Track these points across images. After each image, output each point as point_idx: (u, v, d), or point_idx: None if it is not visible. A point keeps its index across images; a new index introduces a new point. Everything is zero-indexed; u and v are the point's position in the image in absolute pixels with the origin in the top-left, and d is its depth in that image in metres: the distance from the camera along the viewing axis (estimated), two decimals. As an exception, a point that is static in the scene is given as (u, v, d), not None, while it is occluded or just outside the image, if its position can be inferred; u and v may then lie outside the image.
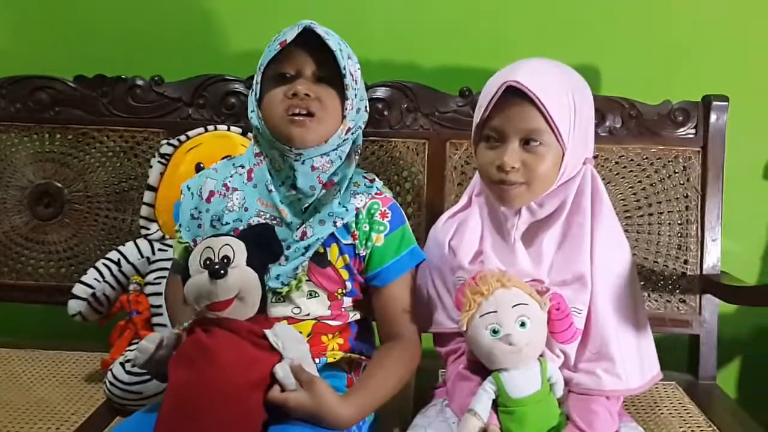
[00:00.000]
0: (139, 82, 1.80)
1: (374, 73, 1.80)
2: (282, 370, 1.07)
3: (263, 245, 1.15)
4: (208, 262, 1.09)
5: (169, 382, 1.07)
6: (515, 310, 1.15)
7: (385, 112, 1.76)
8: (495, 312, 1.15)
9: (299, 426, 1.07)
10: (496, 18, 1.90)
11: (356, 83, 1.20)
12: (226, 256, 1.09)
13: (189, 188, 1.30)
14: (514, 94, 1.17)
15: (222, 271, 1.06)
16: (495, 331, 1.15)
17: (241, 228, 1.21)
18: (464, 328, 1.18)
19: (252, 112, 1.20)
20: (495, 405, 1.17)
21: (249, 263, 1.11)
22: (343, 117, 1.18)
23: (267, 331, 1.10)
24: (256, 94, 1.19)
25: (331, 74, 1.17)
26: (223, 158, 1.37)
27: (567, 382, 1.21)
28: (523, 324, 1.15)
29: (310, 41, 1.15)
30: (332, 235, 1.22)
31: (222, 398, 1.03)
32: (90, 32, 1.96)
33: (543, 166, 1.19)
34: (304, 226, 1.20)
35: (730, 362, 2.01)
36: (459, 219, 1.35)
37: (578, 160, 1.24)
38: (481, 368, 1.20)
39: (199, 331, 1.08)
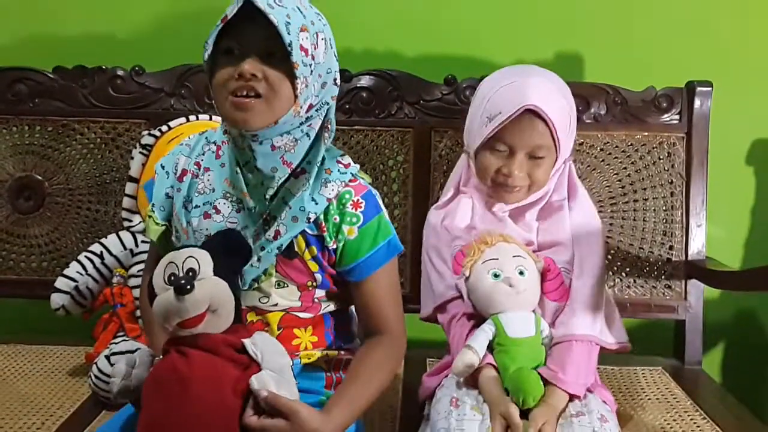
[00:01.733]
0: (120, 73, 1.78)
1: (358, 62, 1.79)
2: (258, 382, 1.02)
3: (231, 251, 1.09)
4: (172, 278, 1.02)
5: (143, 411, 1.03)
6: (515, 260, 1.27)
7: (370, 101, 1.75)
8: (497, 259, 1.26)
9: None
10: (480, 6, 1.89)
11: (313, 57, 1.07)
12: (191, 269, 1.03)
13: (163, 167, 1.23)
14: (526, 113, 1.28)
15: (188, 286, 0.99)
16: (496, 275, 1.25)
17: (209, 211, 1.16)
18: (467, 274, 1.27)
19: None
20: (491, 347, 1.24)
21: (217, 272, 1.04)
22: (296, 97, 1.07)
23: (246, 341, 1.05)
24: (207, 72, 1.10)
25: (283, 49, 1.04)
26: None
27: None
28: (521, 272, 1.26)
29: (258, 13, 1.03)
30: None
31: (197, 430, 0.99)
32: (69, 22, 1.93)
33: (542, 173, 1.34)
34: (276, 223, 1.13)
35: (715, 347, 2.02)
36: (448, 209, 1.43)
37: (563, 160, 1.37)
38: (477, 325, 1.27)
39: (174, 353, 1.02)
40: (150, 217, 1.23)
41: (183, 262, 1.03)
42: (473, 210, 1.41)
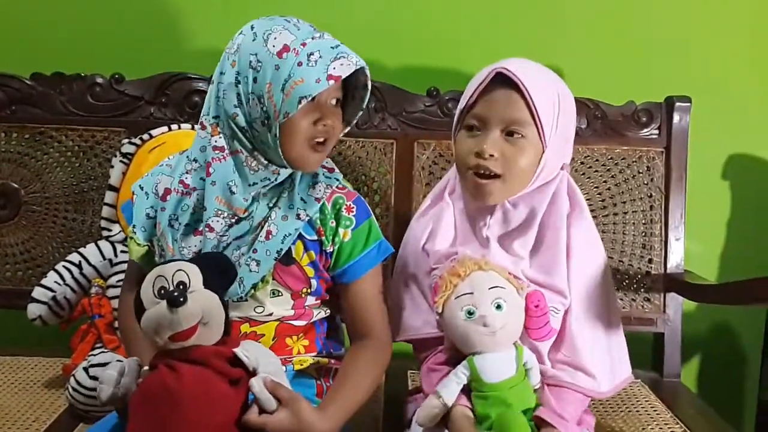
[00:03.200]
0: (99, 80, 1.76)
1: (340, 73, 1.78)
2: (258, 385, 1.03)
3: (217, 271, 1.08)
4: (163, 291, 1.01)
5: (130, 425, 1.01)
6: (492, 292, 1.14)
7: (353, 112, 1.75)
8: (471, 294, 1.14)
9: None
10: (463, 18, 1.91)
11: None
12: (181, 282, 1.02)
13: (142, 188, 1.23)
14: (501, 83, 1.18)
15: (181, 298, 0.99)
16: (470, 313, 1.13)
17: (201, 228, 1.16)
18: (440, 310, 1.16)
19: (237, 107, 1.11)
20: (469, 391, 1.15)
21: (206, 285, 1.04)
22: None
23: (237, 350, 1.05)
24: (280, 112, 1.08)
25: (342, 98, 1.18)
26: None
27: (542, 374, 1.20)
28: (499, 306, 1.14)
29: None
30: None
31: None
32: (48, 28, 1.91)
33: (522, 160, 1.19)
34: (267, 224, 1.16)
35: (691, 359, 2.05)
36: (432, 217, 1.33)
37: (556, 163, 1.25)
38: (455, 362, 1.18)
39: (163, 368, 1.01)
40: (131, 238, 1.23)
41: (173, 276, 1.02)
42: (456, 232, 1.29)
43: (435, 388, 1.16)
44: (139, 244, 1.22)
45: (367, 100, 1.19)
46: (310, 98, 1.08)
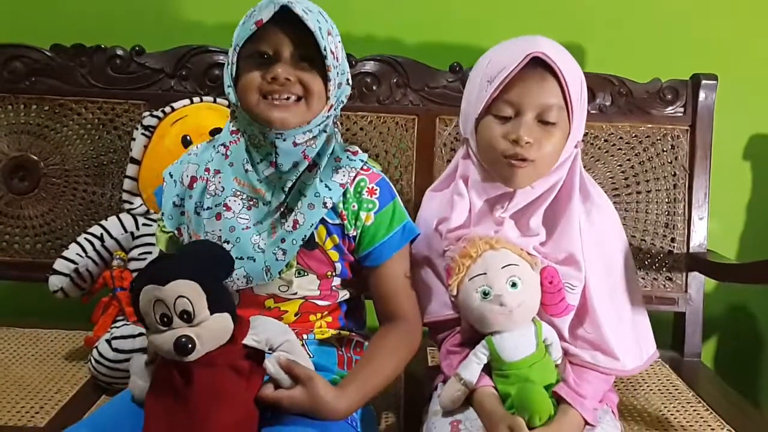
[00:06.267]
0: (119, 52, 1.75)
1: (361, 48, 1.77)
2: (272, 365, 1.01)
3: (213, 260, 1.04)
4: (166, 319, 0.96)
5: (146, 427, 1.00)
6: (505, 270, 1.13)
7: (374, 87, 1.74)
8: (484, 274, 1.13)
9: (290, 427, 1.03)
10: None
11: (338, 60, 1.13)
12: (185, 312, 0.96)
13: (171, 175, 1.23)
14: (533, 67, 1.13)
15: (189, 345, 0.94)
16: (485, 293, 1.12)
17: (220, 210, 1.15)
18: (454, 293, 1.15)
19: (229, 87, 1.13)
20: (490, 370, 1.15)
21: (211, 302, 0.98)
22: (327, 98, 1.13)
23: (246, 341, 1.02)
24: (231, 73, 1.12)
25: (312, 53, 1.10)
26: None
27: (565, 352, 1.19)
28: (514, 284, 1.12)
29: (288, 18, 1.07)
30: None
31: None
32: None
33: (551, 145, 1.16)
34: (294, 213, 1.14)
35: (710, 338, 2.04)
36: (442, 198, 1.29)
37: (574, 143, 1.22)
38: (474, 342, 1.18)
39: (175, 372, 0.99)
40: (159, 227, 1.24)
41: (174, 303, 0.96)
42: (470, 211, 1.24)
43: (456, 371, 1.15)
44: (164, 232, 1.22)
45: (324, 42, 1.09)
46: (237, 48, 1.10)
